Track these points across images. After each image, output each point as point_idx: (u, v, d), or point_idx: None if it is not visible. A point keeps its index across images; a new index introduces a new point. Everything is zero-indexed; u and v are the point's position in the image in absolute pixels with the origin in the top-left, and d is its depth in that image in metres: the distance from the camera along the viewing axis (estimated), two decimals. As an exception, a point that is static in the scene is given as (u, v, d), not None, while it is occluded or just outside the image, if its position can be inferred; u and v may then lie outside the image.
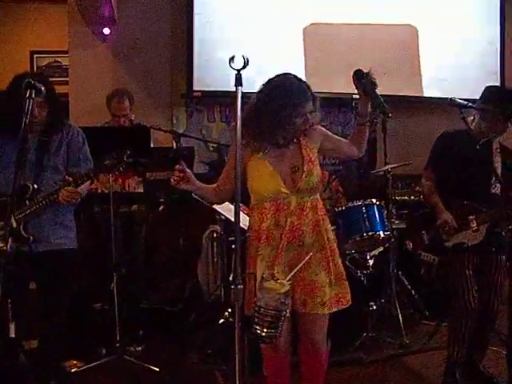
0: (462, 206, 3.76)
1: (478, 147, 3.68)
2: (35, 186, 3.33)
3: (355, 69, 3.08)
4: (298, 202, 3.01)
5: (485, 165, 3.72)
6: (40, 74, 3.45)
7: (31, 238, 3.29)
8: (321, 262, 3.03)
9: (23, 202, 3.28)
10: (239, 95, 2.27)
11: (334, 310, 3.06)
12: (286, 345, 3.11)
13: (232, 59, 2.20)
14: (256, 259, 2.99)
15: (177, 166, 2.95)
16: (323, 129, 3.20)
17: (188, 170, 2.99)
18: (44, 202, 3.32)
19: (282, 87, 2.97)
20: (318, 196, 3.11)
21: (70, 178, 3.35)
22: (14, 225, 3.23)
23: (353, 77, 3.09)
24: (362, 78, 3.06)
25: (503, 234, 3.73)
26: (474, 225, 3.72)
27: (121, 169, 3.47)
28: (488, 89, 3.86)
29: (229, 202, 3.00)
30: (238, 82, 2.24)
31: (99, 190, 4.56)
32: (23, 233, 3.27)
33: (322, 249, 3.04)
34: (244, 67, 2.22)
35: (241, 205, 2.66)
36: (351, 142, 3.23)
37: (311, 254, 2.91)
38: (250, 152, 3.02)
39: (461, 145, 3.78)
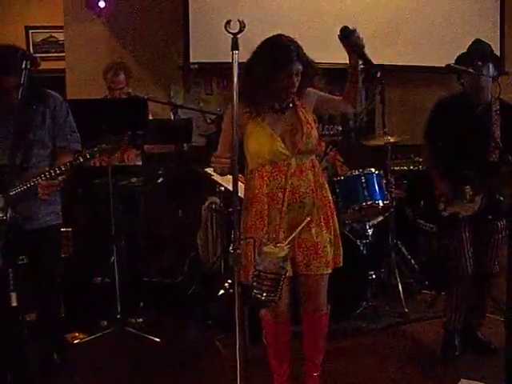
0: (458, 175, 3.73)
1: (475, 113, 3.65)
2: (24, 165, 3.28)
3: (342, 26, 3.07)
4: (297, 164, 3.03)
5: (483, 132, 3.69)
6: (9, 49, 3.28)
7: (21, 217, 3.23)
8: (321, 221, 3.07)
9: (12, 180, 3.21)
10: (235, 59, 2.25)
11: (332, 267, 3.12)
12: (286, 310, 3.13)
13: (228, 23, 2.18)
14: (258, 224, 3.02)
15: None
16: (315, 90, 3.21)
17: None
18: (29, 185, 3.26)
19: (267, 47, 2.99)
20: (314, 156, 3.16)
21: (47, 169, 3.30)
22: (1, 205, 3.14)
23: (340, 34, 3.09)
24: (350, 35, 3.06)
25: (502, 199, 3.72)
26: (469, 195, 3.72)
27: (117, 149, 3.42)
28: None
29: (229, 172, 2.99)
30: (235, 46, 2.22)
31: (98, 164, 4.55)
32: (13, 213, 3.13)
33: (322, 208, 3.09)
34: (240, 31, 2.20)
35: (239, 175, 2.68)
36: (344, 99, 3.23)
37: (309, 218, 2.92)
38: (247, 117, 3.03)
39: (457, 112, 3.73)
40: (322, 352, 3.26)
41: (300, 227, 2.80)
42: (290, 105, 3.08)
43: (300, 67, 2.97)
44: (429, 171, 3.99)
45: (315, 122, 3.23)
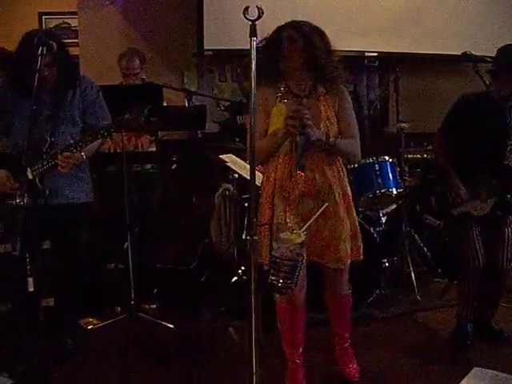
0: (473, 176, 3.73)
1: (503, 111, 3.62)
2: (52, 140, 3.33)
3: None
4: (312, 156, 3.02)
5: (501, 134, 3.67)
6: (50, 31, 3.43)
7: (47, 190, 3.27)
8: (338, 216, 3.08)
9: (40, 156, 3.27)
10: (254, 46, 2.24)
11: (351, 260, 3.18)
12: (300, 297, 3.16)
13: (246, 10, 2.17)
14: (268, 209, 3.05)
15: None
16: (347, 95, 3.18)
17: None
18: (54, 160, 3.29)
19: (274, 32, 3.03)
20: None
21: (71, 142, 3.33)
22: (30, 177, 3.24)
23: None
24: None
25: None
26: (483, 197, 3.72)
27: (140, 123, 3.42)
28: (501, 49, 3.72)
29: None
30: (253, 32, 2.20)
31: (112, 150, 4.56)
32: (39, 185, 3.25)
33: (340, 203, 3.09)
34: (259, 18, 2.18)
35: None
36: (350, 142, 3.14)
37: (326, 204, 2.93)
38: (272, 101, 3.05)
39: (477, 112, 3.70)
40: (349, 328, 3.44)
41: (317, 214, 2.80)
42: (312, 95, 3.06)
43: (293, 34, 2.97)
44: (441, 166, 3.95)
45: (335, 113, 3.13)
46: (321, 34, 3.07)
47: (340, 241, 3.09)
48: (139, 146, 4.75)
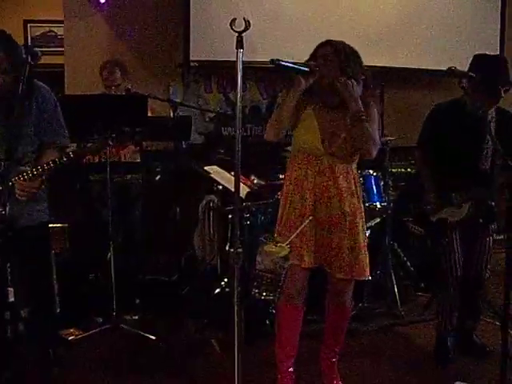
0: (446, 182, 3.74)
1: (476, 118, 3.62)
2: (7, 162, 3.02)
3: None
4: (329, 164, 3.09)
5: (477, 139, 3.69)
6: (3, 34, 3.14)
7: (6, 214, 3.02)
8: (345, 228, 3.12)
9: None
10: (240, 58, 2.24)
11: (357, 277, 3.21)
12: (299, 296, 3.18)
13: (233, 21, 2.18)
14: (286, 207, 3.13)
15: None
16: (375, 111, 3.21)
17: None
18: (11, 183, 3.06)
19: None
20: (352, 165, 3.19)
21: (28, 169, 3.08)
22: None
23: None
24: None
25: (493, 204, 3.72)
26: (455, 202, 3.73)
27: (102, 150, 3.33)
28: (476, 58, 3.76)
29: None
30: (240, 44, 2.21)
31: (96, 160, 4.55)
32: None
33: (349, 215, 3.13)
34: (246, 29, 2.19)
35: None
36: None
37: (310, 217, 2.94)
38: (305, 104, 3.14)
39: (452, 118, 3.73)
40: (341, 343, 3.40)
41: (300, 228, 2.81)
42: (342, 108, 3.11)
43: (327, 52, 3.07)
44: (419, 175, 3.99)
45: None
46: (354, 51, 3.18)
47: (344, 251, 3.12)
48: (122, 156, 4.72)
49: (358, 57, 3.18)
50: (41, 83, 3.32)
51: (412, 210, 4.08)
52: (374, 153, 3.11)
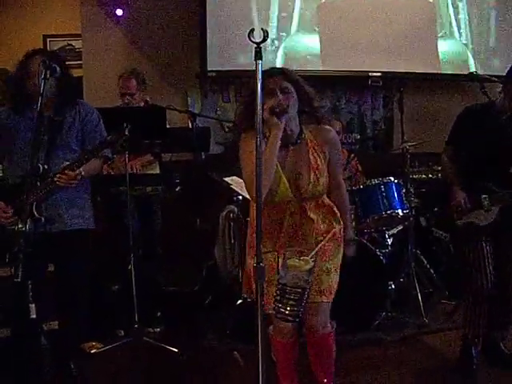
0: (476, 185, 3.66)
1: (501, 123, 3.57)
2: (45, 167, 3.27)
3: None
4: (300, 205, 2.93)
5: (506, 143, 3.61)
6: (52, 52, 3.38)
7: (42, 218, 3.26)
8: (319, 251, 2.87)
9: (35, 183, 3.23)
10: (259, 69, 2.22)
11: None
12: (293, 330, 3.04)
13: (251, 32, 2.15)
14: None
15: None
16: (334, 136, 3.04)
17: None
18: (51, 185, 3.29)
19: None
20: (323, 196, 3.03)
21: (66, 162, 3.31)
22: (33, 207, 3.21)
23: None
24: None
25: None
26: (485, 204, 3.63)
27: (123, 144, 3.43)
28: None
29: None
30: (258, 55, 2.19)
31: (112, 172, 4.56)
32: (35, 213, 3.22)
33: (326, 240, 2.95)
34: (264, 40, 2.17)
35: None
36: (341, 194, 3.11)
37: (335, 228, 2.88)
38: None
39: (483, 121, 3.66)
40: (330, 374, 3.13)
41: (326, 239, 2.77)
42: (298, 141, 2.94)
43: (282, 83, 2.85)
44: (446, 178, 3.92)
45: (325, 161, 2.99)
46: (303, 81, 2.98)
47: (321, 273, 2.95)
48: (133, 168, 4.67)
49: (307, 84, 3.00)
50: (85, 101, 3.72)
51: (436, 214, 3.99)
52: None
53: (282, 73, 2.91)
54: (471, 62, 6.27)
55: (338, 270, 3.04)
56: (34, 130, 3.22)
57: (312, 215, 2.94)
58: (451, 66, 6.30)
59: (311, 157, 2.92)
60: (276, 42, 6.01)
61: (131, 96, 4.86)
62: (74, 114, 3.51)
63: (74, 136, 3.50)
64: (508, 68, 3.67)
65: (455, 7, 6.36)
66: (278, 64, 5.95)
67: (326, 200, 3.04)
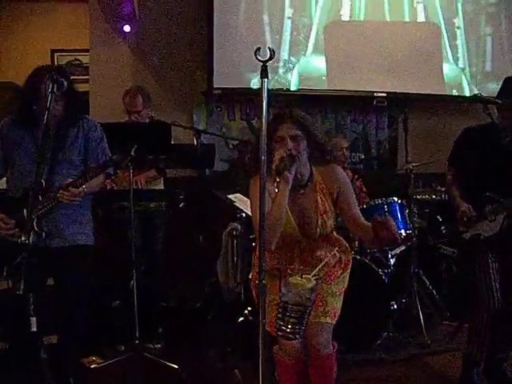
0: (479, 196, 3.65)
1: (503, 143, 3.58)
2: (49, 183, 3.28)
3: None
4: (308, 242, 3.00)
5: (509, 162, 3.63)
6: (60, 67, 3.39)
7: (43, 233, 3.25)
8: (325, 275, 2.97)
9: (37, 198, 3.22)
10: (265, 88, 2.23)
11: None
12: (299, 350, 3.02)
13: (258, 50, 2.17)
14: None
15: None
16: (345, 177, 3.09)
17: None
18: (53, 200, 3.29)
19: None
20: (333, 233, 3.11)
21: (69, 179, 3.31)
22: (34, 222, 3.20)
23: None
24: None
25: None
26: (490, 214, 3.62)
27: (128, 163, 3.44)
28: (506, 81, 3.73)
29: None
30: (264, 73, 2.20)
31: (115, 187, 4.57)
32: (36, 228, 3.20)
33: (332, 265, 3.00)
34: (270, 59, 2.19)
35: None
36: (364, 233, 3.00)
37: (336, 248, 2.88)
38: (273, 189, 2.89)
39: (484, 140, 3.68)
40: None
41: (327, 258, 2.77)
42: (309, 183, 3.01)
43: (291, 130, 2.89)
44: (449, 194, 3.90)
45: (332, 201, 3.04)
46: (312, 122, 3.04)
47: (326, 295, 2.99)
48: (135, 183, 4.66)
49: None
50: (89, 117, 3.68)
51: (444, 232, 3.97)
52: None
53: (292, 119, 2.93)
54: (465, 85, 6.30)
55: (342, 296, 3.08)
56: (38, 144, 3.24)
57: (318, 252, 2.99)
58: (449, 87, 6.35)
59: (319, 201, 2.99)
60: (288, 63, 6.07)
61: (138, 113, 4.88)
62: (77, 129, 3.51)
63: (76, 151, 3.50)
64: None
65: (449, 33, 6.38)
66: (293, 85, 6.04)
67: (335, 235, 3.13)
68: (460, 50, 6.41)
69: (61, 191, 3.26)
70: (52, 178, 3.34)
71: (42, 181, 3.20)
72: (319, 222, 2.95)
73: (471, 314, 3.80)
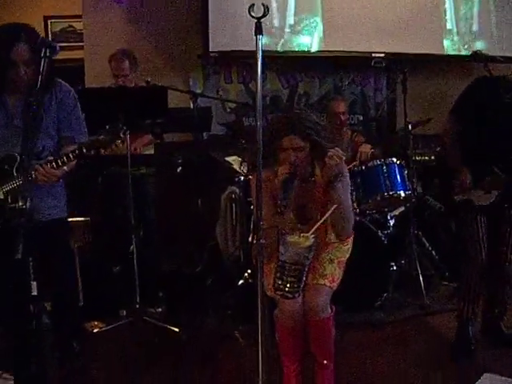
0: (481, 166, 3.63)
1: (506, 100, 3.54)
2: (23, 157, 2.92)
3: None
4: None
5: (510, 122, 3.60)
6: (26, 25, 3.09)
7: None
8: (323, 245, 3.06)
9: (11, 173, 3.07)
10: (260, 45, 2.19)
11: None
12: (299, 311, 3.02)
13: (252, 7, 2.13)
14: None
15: None
16: (340, 168, 3.03)
17: None
18: (30, 177, 2.96)
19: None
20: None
21: (51, 158, 3.10)
22: (1, 196, 3.08)
23: None
24: None
25: None
26: (487, 188, 3.63)
27: (116, 145, 3.29)
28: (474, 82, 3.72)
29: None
30: (259, 30, 2.16)
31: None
32: (12, 204, 3.04)
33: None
34: (264, 15, 2.15)
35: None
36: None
37: (335, 205, 2.87)
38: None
39: (494, 93, 3.59)
40: (330, 355, 3.13)
41: (326, 215, 2.76)
42: (310, 178, 3.08)
43: (295, 142, 2.95)
44: (449, 151, 3.86)
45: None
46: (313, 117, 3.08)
47: (325, 261, 3.07)
48: (133, 149, 4.61)
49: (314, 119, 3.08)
50: (62, 81, 3.35)
51: (436, 186, 3.96)
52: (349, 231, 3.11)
53: (295, 132, 2.96)
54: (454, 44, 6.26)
55: (342, 267, 3.13)
56: (9, 113, 3.11)
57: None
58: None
59: (318, 194, 3.07)
60: (294, 26, 5.97)
61: (125, 77, 4.82)
62: (49, 96, 3.23)
63: (50, 120, 3.27)
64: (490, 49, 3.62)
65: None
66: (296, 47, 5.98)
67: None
68: (448, 12, 6.33)
69: (40, 171, 3.05)
70: (26, 152, 2.89)
71: (16, 154, 3.05)
72: (319, 217, 2.96)
73: (461, 271, 3.83)
